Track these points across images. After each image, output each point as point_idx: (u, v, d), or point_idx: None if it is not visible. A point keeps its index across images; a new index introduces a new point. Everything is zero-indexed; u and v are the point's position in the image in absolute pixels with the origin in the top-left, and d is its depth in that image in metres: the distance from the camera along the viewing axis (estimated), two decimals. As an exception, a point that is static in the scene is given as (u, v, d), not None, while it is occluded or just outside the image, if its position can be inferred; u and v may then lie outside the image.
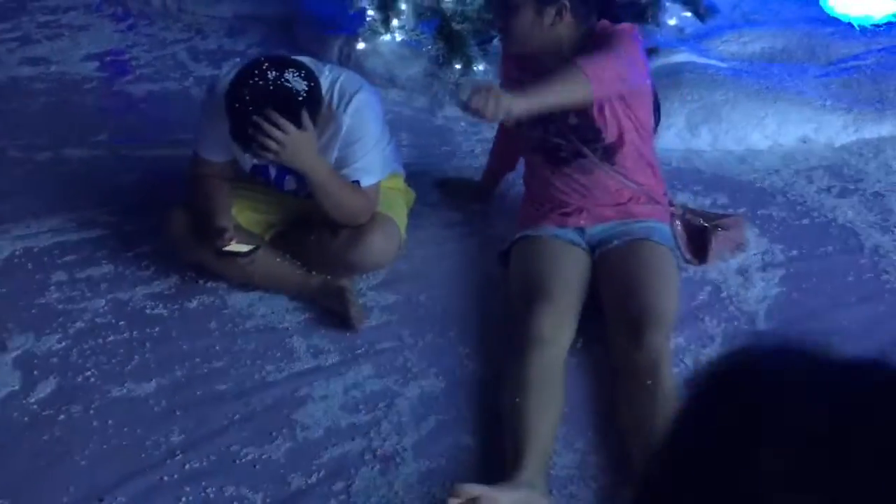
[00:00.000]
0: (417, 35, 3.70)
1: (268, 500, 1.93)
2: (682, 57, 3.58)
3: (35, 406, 2.21)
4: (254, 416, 2.16)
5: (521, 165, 2.75)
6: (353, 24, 3.80)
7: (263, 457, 2.04)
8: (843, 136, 3.27)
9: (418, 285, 2.60)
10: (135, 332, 2.45)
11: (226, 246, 2.32)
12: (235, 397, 2.22)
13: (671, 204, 2.61)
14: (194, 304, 2.55)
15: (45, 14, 4.87)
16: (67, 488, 1.96)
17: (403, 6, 3.63)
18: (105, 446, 2.07)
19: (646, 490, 0.62)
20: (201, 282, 2.61)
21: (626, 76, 2.23)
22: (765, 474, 0.51)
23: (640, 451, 1.93)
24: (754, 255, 2.69)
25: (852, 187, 3.02)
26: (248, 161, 2.50)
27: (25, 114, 3.76)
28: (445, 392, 2.22)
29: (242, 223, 2.56)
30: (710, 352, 2.32)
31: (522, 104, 2.13)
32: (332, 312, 2.46)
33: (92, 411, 2.19)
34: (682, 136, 3.27)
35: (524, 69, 2.41)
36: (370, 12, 3.70)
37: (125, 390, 2.25)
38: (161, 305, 2.55)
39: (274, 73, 2.18)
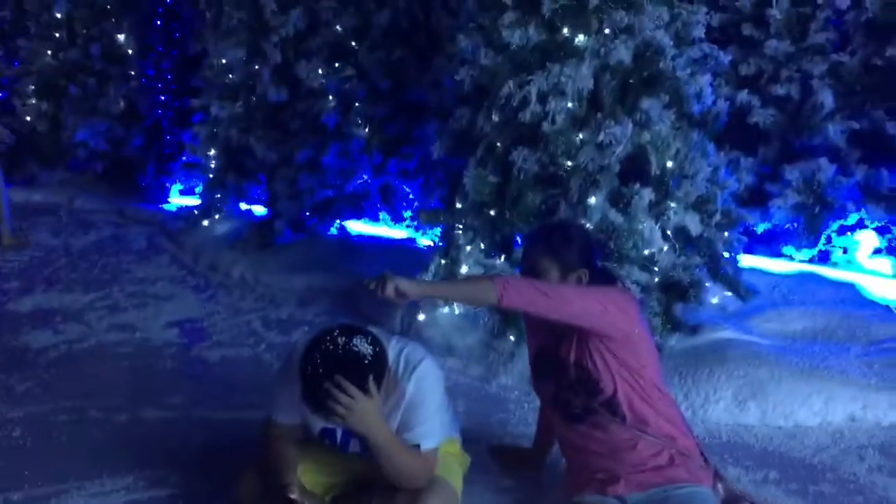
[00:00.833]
0: (475, 309, 3.99)
1: None
2: (725, 334, 3.78)
3: None
4: None
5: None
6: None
7: None
8: (891, 415, 3.34)
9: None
10: None
11: (292, 494, 2.42)
12: None
13: (707, 461, 2.65)
14: (256, 566, 2.59)
15: (134, 284, 5.37)
16: None
17: (462, 284, 3.96)
18: None
19: None
20: (264, 544, 2.67)
21: (560, 303, 2.38)
22: None
23: None
24: (810, 533, 2.69)
25: (904, 466, 3.05)
26: (316, 424, 2.67)
27: (108, 377, 4.05)
28: None
29: (305, 484, 2.67)
30: None
31: (417, 289, 2.35)
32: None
33: None
34: (730, 410, 3.38)
35: (544, 324, 2.63)
36: (431, 289, 4.02)
37: None
38: (223, 566, 2.61)
39: (343, 339, 2.41)
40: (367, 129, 5.43)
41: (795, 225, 4.66)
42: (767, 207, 4.63)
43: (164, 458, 3.22)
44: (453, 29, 4.44)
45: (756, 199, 4.75)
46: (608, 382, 2.48)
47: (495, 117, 3.77)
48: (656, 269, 3.77)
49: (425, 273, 4.06)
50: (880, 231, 4.73)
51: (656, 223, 3.72)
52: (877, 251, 4.76)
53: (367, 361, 2.37)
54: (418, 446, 2.56)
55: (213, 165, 5.97)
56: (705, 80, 3.84)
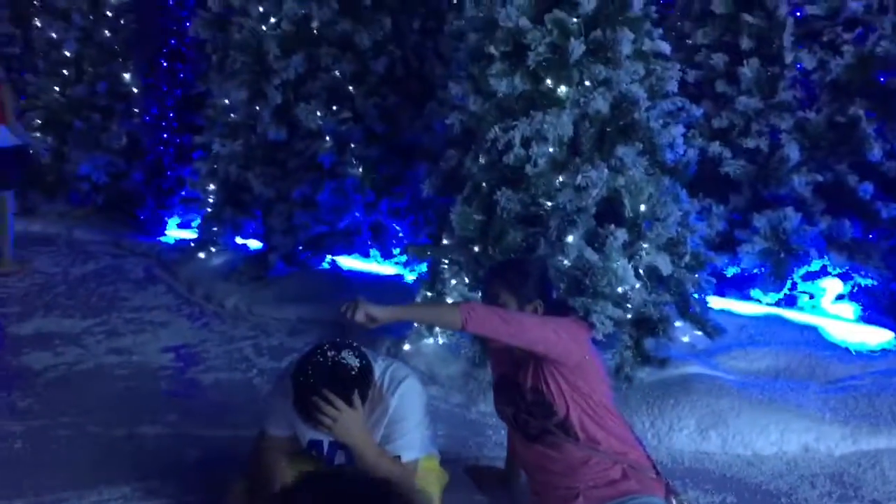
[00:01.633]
0: (457, 338, 4.21)
1: None
2: (692, 369, 4.01)
3: None
4: None
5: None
6: (400, 328, 4.35)
7: None
8: (842, 446, 3.57)
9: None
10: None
11: None
12: None
13: (658, 473, 2.85)
14: (243, 568, 2.78)
15: (131, 312, 5.58)
16: None
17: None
18: None
19: None
20: (251, 549, 2.85)
21: (517, 329, 2.58)
22: None
23: None
24: (761, 550, 2.89)
25: (852, 493, 3.27)
26: (305, 436, 2.88)
27: (106, 395, 4.24)
28: None
29: (294, 494, 2.86)
30: None
31: (386, 312, 2.57)
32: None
33: None
34: (692, 438, 3.60)
35: (505, 352, 2.85)
36: (416, 319, 4.25)
37: None
38: (213, 568, 2.79)
39: (333, 352, 2.64)
40: (361, 170, 5.69)
41: (763, 270, 4.92)
42: (736, 252, 4.88)
43: (159, 471, 3.41)
44: (445, 77, 4.72)
45: (726, 244, 5.01)
46: (561, 405, 2.70)
47: (481, 159, 4.03)
48: (629, 305, 3.99)
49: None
50: (842, 277, 5.00)
51: (629, 262, 3.96)
52: (839, 297, 5.02)
53: (353, 373, 2.60)
54: (399, 457, 2.77)
55: (211, 200, 6.20)
56: (678, 130, 4.11)
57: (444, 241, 4.28)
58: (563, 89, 3.89)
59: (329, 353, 2.64)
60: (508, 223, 3.96)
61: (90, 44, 8.00)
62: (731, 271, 5.06)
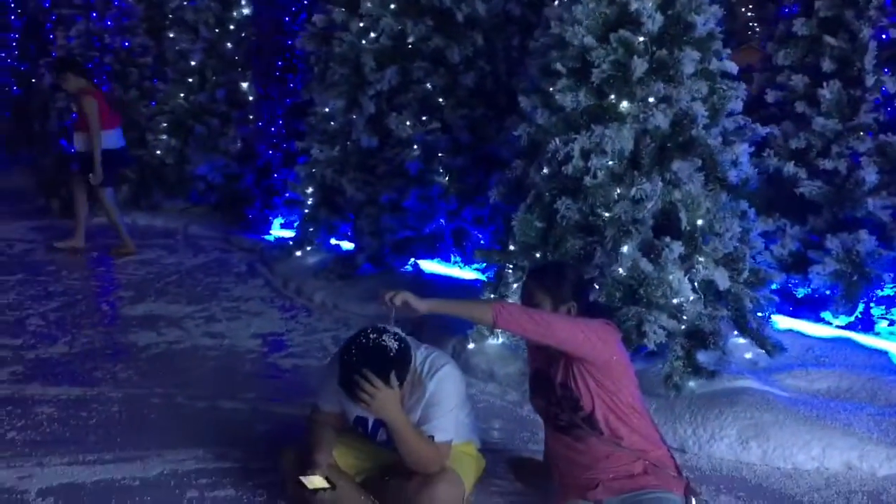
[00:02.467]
0: (516, 340, 4.42)
1: None
2: (744, 383, 4.07)
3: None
4: None
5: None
6: (464, 327, 4.60)
7: None
8: (885, 466, 3.57)
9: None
10: (239, 542, 3.01)
11: (305, 477, 2.91)
12: None
13: (679, 472, 2.98)
14: (290, 526, 3.10)
15: (230, 301, 6.07)
16: None
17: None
18: None
19: None
20: (300, 511, 3.17)
21: (547, 329, 2.77)
22: None
23: None
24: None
25: (888, 511, 3.29)
26: (352, 413, 3.17)
27: (197, 373, 4.70)
28: None
29: (341, 465, 3.17)
30: None
31: (424, 304, 2.80)
32: (400, 546, 2.93)
33: None
34: (733, 448, 3.69)
35: (541, 350, 3.05)
36: (480, 319, 4.49)
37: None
38: (264, 524, 3.12)
39: (375, 335, 2.92)
40: (446, 178, 5.97)
41: (833, 292, 4.89)
42: (807, 273, 4.88)
43: (232, 439, 3.79)
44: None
45: (800, 265, 5.01)
46: (587, 401, 2.89)
47: (545, 170, 4.24)
48: (684, 317, 4.11)
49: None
50: (919, 303, 4.91)
51: (685, 275, 4.08)
52: (917, 323, 4.93)
53: (391, 354, 2.88)
54: (433, 438, 3.03)
55: (309, 202, 6.63)
56: (741, 148, 4.21)
57: (510, 247, 4.50)
58: (624, 105, 4.06)
59: (371, 336, 2.93)
60: (567, 231, 4.16)
61: (214, 54, 8.64)
62: (801, 292, 5.05)
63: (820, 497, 3.40)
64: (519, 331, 2.85)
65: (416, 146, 5.93)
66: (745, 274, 4.21)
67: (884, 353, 4.65)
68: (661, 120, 4.00)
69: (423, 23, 5.99)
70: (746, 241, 4.26)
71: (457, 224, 6.18)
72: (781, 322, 5.05)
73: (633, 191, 3.96)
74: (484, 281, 4.77)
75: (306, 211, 6.70)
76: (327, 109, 6.34)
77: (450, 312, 3.04)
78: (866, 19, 4.88)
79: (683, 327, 4.11)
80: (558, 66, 4.15)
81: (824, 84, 4.92)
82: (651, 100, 4.06)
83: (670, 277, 4.02)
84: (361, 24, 6.05)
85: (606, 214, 4.07)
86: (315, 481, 2.96)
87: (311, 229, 6.68)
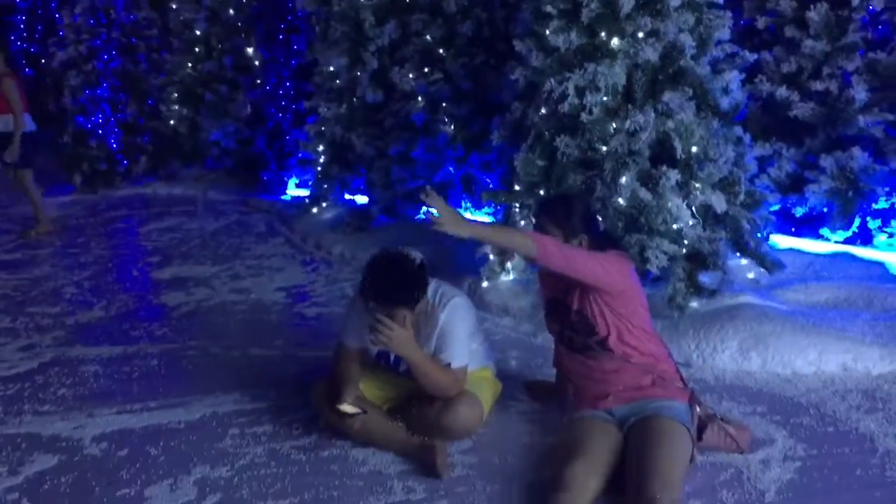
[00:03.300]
0: (527, 275, 4.65)
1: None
2: (745, 299, 4.28)
3: (203, 510, 3.05)
4: (354, 527, 2.89)
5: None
6: (476, 267, 4.84)
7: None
8: (880, 365, 3.79)
9: (495, 452, 3.31)
10: (280, 470, 3.28)
11: (339, 405, 3.19)
12: (344, 515, 2.97)
13: (685, 384, 3.22)
14: (326, 453, 3.37)
15: (253, 259, 6.33)
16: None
17: (516, 253, 4.62)
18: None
19: None
20: (334, 440, 3.44)
21: (574, 264, 2.97)
22: None
23: None
24: (779, 450, 3.22)
25: (880, 406, 3.51)
26: (374, 348, 3.42)
27: (226, 325, 4.97)
28: (499, 523, 2.87)
29: (368, 396, 3.43)
30: (720, 514, 2.84)
31: (468, 230, 2.89)
32: (426, 464, 3.20)
33: (241, 517, 2.99)
34: (734, 358, 3.92)
35: (556, 279, 3.23)
36: (490, 257, 4.72)
37: (267, 504, 3.06)
38: (301, 453, 3.39)
39: (400, 250, 3.20)
40: (451, 127, 6.15)
41: (830, 209, 5.06)
42: (804, 192, 5.05)
43: (265, 382, 4.06)
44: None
45: (798, 185, 5.17)
46: (602, 327, 3.11)
47: (543, 110, 4.42)
48: (685, 241, 4.31)
49: (484, 245, 4.74)
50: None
51: (683, 201, 4.27)
52: (913, 234, 5.10)
53: (414, 266, 3.15)
54: (449, 365, 3.28)
55: (321, 160, 6.84)
56: (731, 76, 4.35)
57: (516, 187, 4.69)
58: (615, 42, 4.21)
59: (396, 251, 3.21)
60: (568, 167, 4.35)
61: (217, 22, 8.80)
62: (799, 212, 5.22)
63: (817, 397, 3.63)
64: (553, 265, 2.99)
65: (420, 98, 6.11)
66: (742, 196, 4.39)
67: (880, 264, 4.84)
68: (650, 53, 4.15)
69: (418, -25, 6.13)
70: (741, 165, 4.43)
71: (465, 171, 6.38)
72: (783, 242, 5.25)
73: (628, 123, 4.13)
74: (493, 221, 4.96)
75: (319, 169, 6.92)
76: (332, 68, 6.52)
77: (491, 240, 3.26)
78: (850, -61, 4.98)
79: (684, 251, 4.31)
80: (549, 9, 4.29)
81: (812, 7, 5.03)
82: (640, 35, 4.21)
83: (669, 204, 4.21)
84: (359, -19, 6.20)
85: (604, 148, 4.25)
86: (348, 408, 3.23)
87: (325, 186, 6.91)
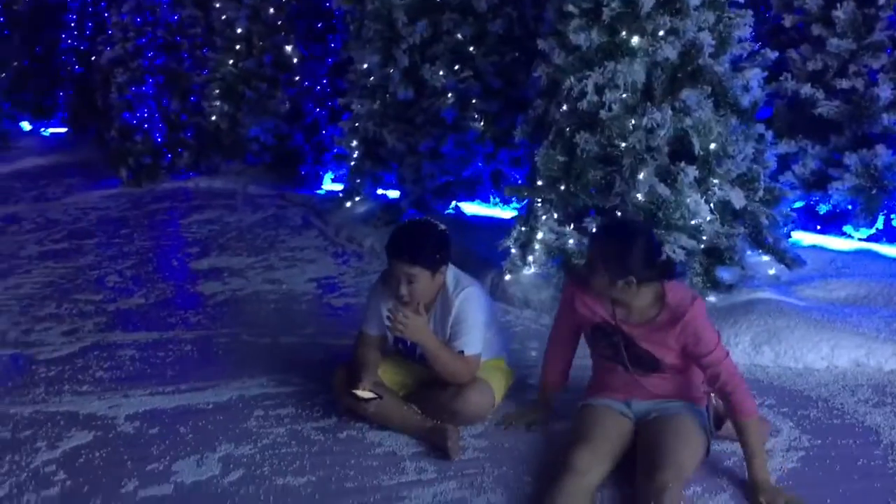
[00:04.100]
0: (548, 268, 4.75)
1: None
2: (762, 294, 4.35)
3: (226, 484, 3.22)
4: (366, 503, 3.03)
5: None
6: (499, 260, 4.96)
7: (366, 526, 2.90)
8: (892, 362, 3.83)
9: (506, 437, 3.44)
10: (300, 449, 3.45)
11: (356, 390, 3.34)
12: (360, 492, 3.12)
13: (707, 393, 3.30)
14: (343, 435, 3.53)
15: (287, 251, 6.54)
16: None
17: (537, 247, 4.74)
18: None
19: None
20: (352, 423, 3.60)
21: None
22: None
23: None
24: (784, 441, 3.30)
25: (889, 401, 3.56)
26: (392, 336, 3.57)
27: (259, 314, 5.17)
28: (507, 500, 2.99)
29: (386, 381, 3.58)
30: (720, 500, 2.93)
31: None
32: (438, 447, 3.33)
33: (262, 492, 3.15)
34: (747, 352, 3.99)
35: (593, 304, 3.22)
36: (513, 250, 4.84)
37: (287, 481, 3.22)
38: (321, 434, 3.55)
39: (425, 218, 3.36)
40: (481, 123, 6.28)
41: (853, 206, 5.08)
42: (827, 190, 5.07)
43: (291, 368, 4.23)
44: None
45: (822, 183, 5.20)
46: (668, 363, 3.09)
47: (564, 107, 4.52)
48: (703, 237, 4.37)
49: (507, 238, 4.86)
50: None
51: (702, 197, 4.34)
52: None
53: (438, 230, 3.36)
54: (462, 352, 3.41)
55: (354, 155, 7.01)
56: (752, 73, 4.41)
57: (538, 182, 4.80)
58: (635, 40, 4.29)
59: (420, 218, 3.38)
60: (588, 163, 4.44)
61: (258, 21, 9.01)
62: (823, 209, 5.24)
63: (827, 391, 3.69)
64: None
65: (450, 94, 6.24)
66: (760, 193, 4.44)
67: (903, 261, 4.86)
68: (669, 52, 4.23)
69: (450, -25, 6.25)
70: (760, 161, 4.48)
71: (494, 166, 6.49)
72: (806, 239, 5.28)
73: (645, 120, 4.21)
74: (517, 216, 5.08)
75: (352, 164, 7.08)
76: (365, 65, 6.68)
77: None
78: (878, -63, 4.98)
79: (702, 246, 4.38)
80: (571, 8, 4.39)
81: (838, 5, 5.05)
82: (660, 33, 4.28)
83: (687, 200, 4.28)
84: (391, -19, 6.34)
85: (623, 144, 4.34)
86: (364, 393, 3.38)
87: (358, 181, 7.07)
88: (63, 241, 7.40)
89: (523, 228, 4.85)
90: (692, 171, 4.26)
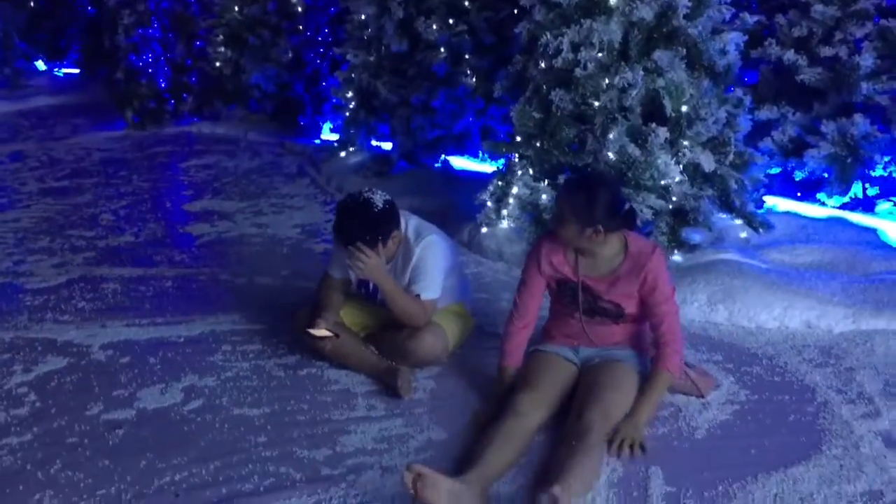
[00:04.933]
0: (521, 223, 4.85)
1: (305, 478, 2.92)
2: (725, 256, 4.43)
3: (185, 412, 3.39)
4: (316, 435, 3.19)
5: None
6: (474, 214, 5.06)
7: (312, 455, 3.05)
8: (842, 325, 3.92)
9: (458, 380, 3.58)
10: (260, 383, 3.61)
11: (312, 328, 3.48)
12: (310, 424, 3.27)
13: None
14: (304, 372, 3.69)
15: (278, 198, 6.68)
16: (182, 456, 3.08)
17: (511, 201, 4.83)
18: (217, 439, 3.18)
19: None
20: (313, 361, 3.75)
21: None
22: None
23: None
24: (722, 395, 3.41)
25: (832, 362, 3.66)
26: (354, 278, 3.70)
27: (240, 256, 5.33)
28: (446, 440, 3.14)
29: (348, 322, 3.73)
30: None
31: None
32: (390, 386, 3.48)
33: (217, 421, 3.32)
34: (702, 310, 4.09)
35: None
36: (489, 204, 4.94)
37: (243, 411, 3.38)
38: (282, 370, 3.71)
39: (365, 194, 3.46)
40: (473, 79, 6.33)
41: (828, 174, 5.12)
42: (803, 156, 5.12)
43: (264, 307, 4.38)
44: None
45: (800, 149, 5.23)
46: (631, 310, 3.22)
47: (541, 63, 4.58)
48: (672, 198, 4.45)
49: (483, 192, 4.96)
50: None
51: (672, 158, 4.41)
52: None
53: (375, 210, 3.39)
54: (419, 296, 3.53)
55: (349, 106, 7.09)
56: (729, 37, 4.44)
57: (517, 139, 4.88)
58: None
59: (362, 194, 3.46)
60: (562, 121, 4.51)
61: (265, -33, 9.05)
62: (798, 175, 5.29)
63: (773, 350, 3.79)
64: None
65: (442, 49, 6.28)
66: (731, 157, 4.50)
67: (872, 231, 4.91)
68: (645, 12, 4.26)
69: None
70: (733, 125, 4.54)
71: (483, 122, 6.56)
72: (782, 205, 5.33)
73: (618, 79, 4.27)
74: (497, 171, 5.16)
75: (347, 114, 7.16)
76: (361, 16, 6.73)
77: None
78: None
79: (670, 206, 4.46)
80: (552, -36, 4.43)
81: (826, -30, 5.04)
82: (639, -7, 4.32)
83: (658, 161, 4.35)
84: (389, -68, 6.36)
85: (596, 103, 4.40)
86: (319, 332, 3.53)
87: (353, 131, 7.16)
88: (64, 179, 7.58)
89: (500, 183, 4.94)
90: (663, 133, 4.32)
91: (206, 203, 6.59)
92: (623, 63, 4.36)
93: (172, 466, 3.00)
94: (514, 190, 4.83)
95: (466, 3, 6.34)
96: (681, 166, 4.45)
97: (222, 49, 9.24)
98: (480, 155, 6.76)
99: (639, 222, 4.12)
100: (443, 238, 3.70)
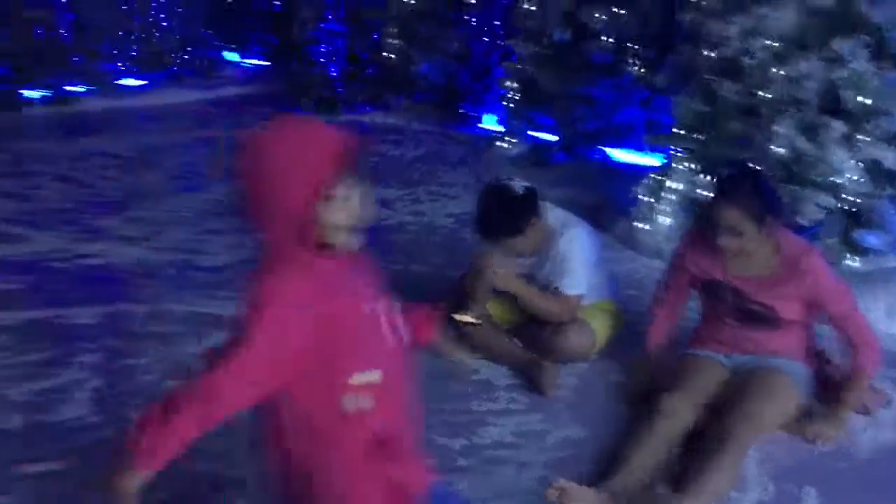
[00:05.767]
0: (681, 220, 4.66)
1: (440, 466, 2.94)
2: (902, 262, 4.07)
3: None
4: (454, 423, 3.21)
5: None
6: (629, 208, 4.92)
7: (450, 444, 3.08)
8: None
9: (602, 378, 3.50)
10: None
11: (456, 315, 3.50)
12: (449, 413, 3.30)
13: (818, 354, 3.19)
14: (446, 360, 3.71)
15: (436, 186, 6.77)
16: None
17: (671, 196, 4.65)
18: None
19: None
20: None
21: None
22: None
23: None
24: (893, 413, 3.16)
25: None
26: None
27: (397, 243, 5.45)
28: (584, 439, 3.08)
29: (494, 315, 3.71)
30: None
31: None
32: (534, 381, 3.45)
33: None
34: (881, 320, 3.77)
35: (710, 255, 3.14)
36: (643, 198, 4.78)
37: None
38: (425, 357, 3.75)
39: (506, 181, 3.45)
40: (637, 68, 6.15)
41: None
42: None
43: (416, 295, 4.39)
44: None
45: None
46: (789, 315, 3.04)
47: (707, 53, 4.37)
48: (845, 196, 4.13)
49: (639, 186, 4.81)
50: None
51: (848, 154, 4.09)
52: None
53: (513, 196, 3.36)
54: (559, 290, 3.47)
55: (513, 97, 7.08)
56: (921, 25, 4.06)
57: (680, 132, 4.69)
58: (788, -15, 4.07)
59: (502, 181, 3.44)
60: (727, 113, 4.29)
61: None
62: None
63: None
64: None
65: (607, 38, 6.15)
66: (918, 154, 4.12)
67: None
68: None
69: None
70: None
71: (648, 114, 6.36)
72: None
73: (791, 70, 4.00)
74: (659, 165, 5.01)
75: (511, 105, 7.16)
76: (530, 7, 6.69)
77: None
78: None
79: (843, 207, 4.14)
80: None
81: None
82: (818, -22, 4.03)
83: (833, 157, 4.06)
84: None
85: (768, 95, 4.15)
86: (462, 317, 3.54)
87: (514, 121, 7.15)
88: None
89: (657, 177, 4.77)
90: (839, 126, 4.02)
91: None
92: (798, 52, 4.09)
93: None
94: (672, 185, 4.64)
95: (633, -9, 6.17)
96: (858, 163, 4.12)
97: (395, 41, 9.45)
98: (644, 148, 6.56)
99: (806, 222, 3.91)
100: (588, 231, 3.62)
